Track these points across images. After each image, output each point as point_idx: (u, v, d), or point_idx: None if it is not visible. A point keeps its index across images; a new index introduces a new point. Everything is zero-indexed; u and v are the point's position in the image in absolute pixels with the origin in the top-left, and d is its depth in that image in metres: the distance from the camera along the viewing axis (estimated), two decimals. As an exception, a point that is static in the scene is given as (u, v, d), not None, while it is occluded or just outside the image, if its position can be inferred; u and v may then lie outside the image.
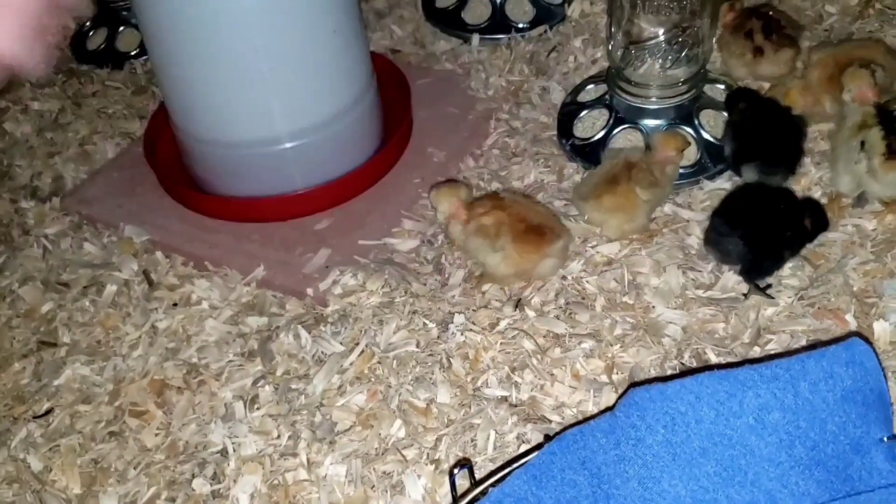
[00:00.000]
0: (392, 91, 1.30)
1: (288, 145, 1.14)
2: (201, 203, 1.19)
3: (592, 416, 0.87)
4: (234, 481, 0.90)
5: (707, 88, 1.17)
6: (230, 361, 1.02)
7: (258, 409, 0.96)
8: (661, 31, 1.10)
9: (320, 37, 1.09)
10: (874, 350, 0.68)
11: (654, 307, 0.99)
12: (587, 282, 1.03)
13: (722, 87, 1.20)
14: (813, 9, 1.39)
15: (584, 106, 1.22)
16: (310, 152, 1.15)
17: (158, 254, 1.17)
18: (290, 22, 1.06)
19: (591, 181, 1.07)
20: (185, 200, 1.21)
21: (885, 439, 0.68)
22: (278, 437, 0.93)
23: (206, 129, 1.14)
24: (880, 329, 0.90)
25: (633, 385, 0.73)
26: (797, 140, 1.09)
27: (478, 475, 0.84)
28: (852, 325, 0.92)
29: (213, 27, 1.03)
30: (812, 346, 0.91)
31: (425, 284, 1.06)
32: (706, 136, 1.14)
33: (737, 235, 0.98)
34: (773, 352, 0.92)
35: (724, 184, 1.12)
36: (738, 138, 1.10)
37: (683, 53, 1.10)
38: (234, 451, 0.93)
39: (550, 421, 0.89)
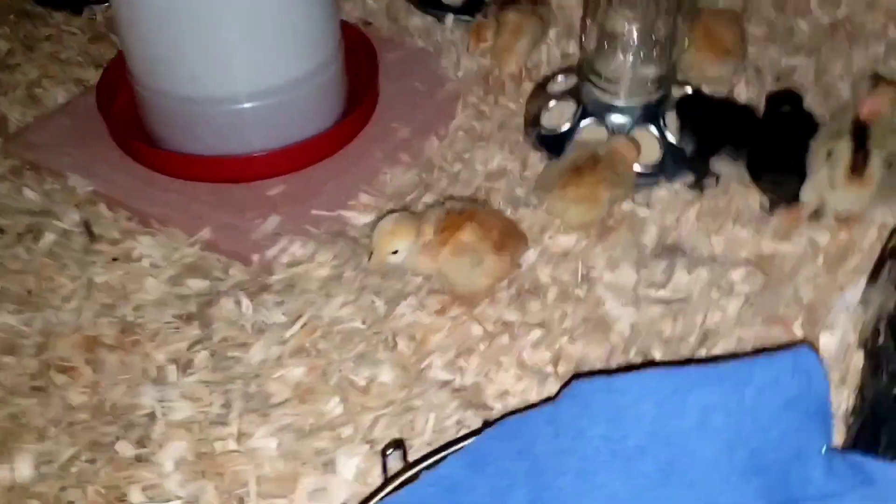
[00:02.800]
0: (360, 62, 1.27)
1: (246, 105, 1.10)
2: (151, 157, 1.15)
3: (534, 405, 0.86)
4: (161, 446, 0.86)
5: (675, 91, 1.16)
6: (167, 323, 0.98)
7: (191, 374, 0.93)
8: (634, 28, 1.08)
9: (288, -3, 1.06)
10: (821, 360, 0.68)
11: (605, 302, 0.98)
12: (541, 272, 1.02)
13: (690, 90, 1.19)
14: (785, 23, 1.39)
15: (552, 96, 1.20)
16: (269, 114, 1.12)
17: (102, 206, 1.12)
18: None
19: (555, 170, 1.06)
20: (136, 154, 1.16)
21: (824, 450, 0.68)
22: (210, 404, 0.90)
23: (164, 80, 1.10)
24: (826, 341, 0.90)
25: (578, 376, 0.71)
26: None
27: (413, 458, 0.83)
28: (799, 334, 0.92)
29: (177, -26, 0.99)
30: (758, 353, 0.91)
31: (377, 261, 1.04)
32: (670, 137, 1.13)
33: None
34: (718, 356, 0.91)
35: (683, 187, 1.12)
36: (698, 133, 1.09)
37: (655, 52, 1.09)
38: (163, 415, 0.89)
39: (492, 408, 0.87)
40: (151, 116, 1.16)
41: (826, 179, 1.00)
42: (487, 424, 0.74)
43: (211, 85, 1.09)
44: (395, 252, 0.93)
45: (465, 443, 0.72)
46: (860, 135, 0.99)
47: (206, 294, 1.01)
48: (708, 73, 1.24)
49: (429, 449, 0.83)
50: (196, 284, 1.03)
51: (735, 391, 0.65)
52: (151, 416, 0.89)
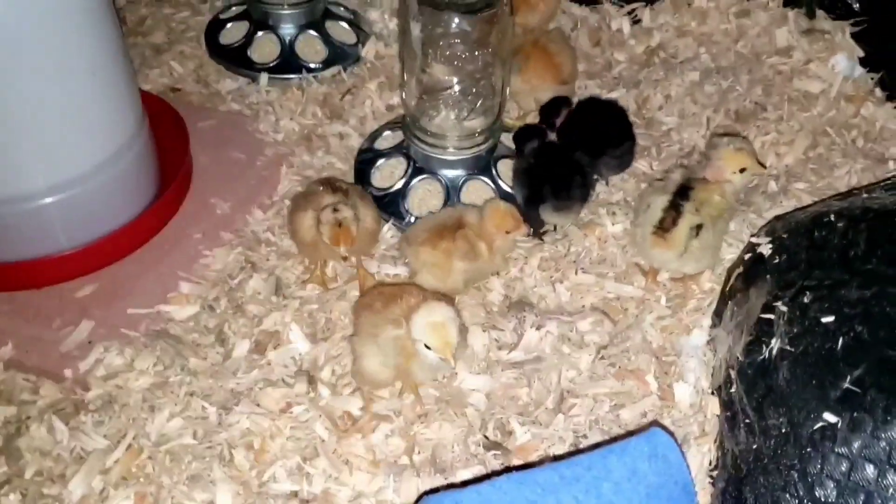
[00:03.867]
0: (169, 135, 1.17)
1: (47, 200, 0.98)
2: (-68, 270, 1.01)
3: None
4: None
5: (504, 138, 1.14)
6: (-32, 463, 0.86)
7: (0, 523, 0.81)
8: (455, 81, 1.05)
9: (75, 79, 0.95)
10: (675, 439, 0.65)
11: (457, 373, 0.93)
12: (387, 348, 0.96)
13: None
14: (602, 56, 1.40)
15: (381, 154, 1.15)
16: (73, 207, 1.00)
17: None
18: (37, 63, 0.91)
19: (424, 226, 1.01)
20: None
21: (693, 534, 0.65)
22: (23, 558, 0.79)
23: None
24: (680, 392, 0.89)
25: (427, 493, 0.65)
26: (583, 175, 1.08)
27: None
28: (653, 386, 0.90)
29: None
30: (615, 409, 0.89)
31: (205, 358, 0.95)
32: (504, 187, 1.10)
33: None
34: (576, 417, 0.88)
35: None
36: (528, 184, 1.07)
37: (479, 104, 1.06)
38: (-34, 580, 0.77)
39: (347, 515, 0.81)
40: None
41: (638, 235, 1.00)
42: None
43: (1, 183, 0.96)
44: None
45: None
46: (680, 195, 0.98)
47: (14, 422, 0.89)
48: (543, 99, 1.22)
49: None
50: (1, 412, 0.90)
51: (592, 490, 0.61)
52: (-47, 585, 0.77)
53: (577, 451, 0.75)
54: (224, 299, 1.01)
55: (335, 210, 0.96)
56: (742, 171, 1.01)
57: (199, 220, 1.11)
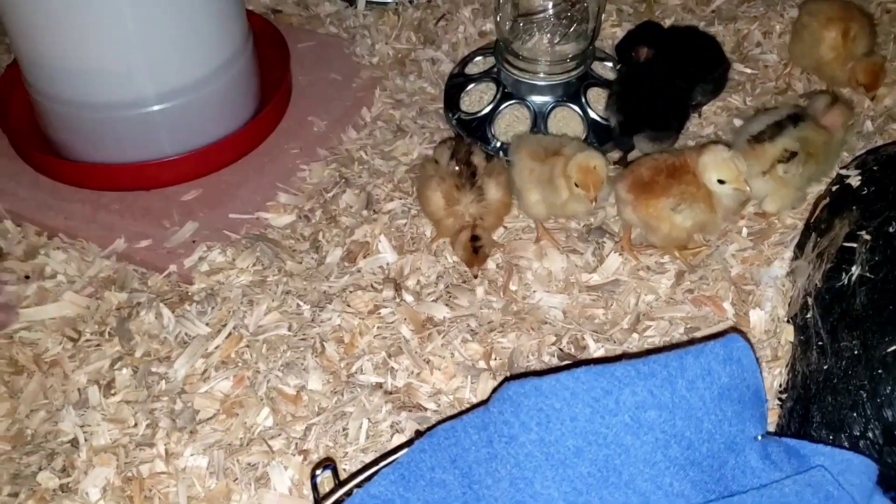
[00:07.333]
0: (270, 54, 1.22)
1: (155, 108, 1.05)
2: (56, 168, 1.09)
3: (468, 408, 0.84)
4: (85, 474, 0.83)
5: (595, 66, 1.15)
6: (87, 340, 0.95)
7: (114, 394, 0.89)
8: (550, 5, 1.06)
9: (190, -8, 1.01)
10: (751, 346, 0.67)
11: (534, 292, 0.97)
12: (470, 264, 1.00)
13: (610, 64, 1.18)
14: (702, -10, 1.38)
15: (471, 79, 1.17)
16: (179, 116, 1.07)
17: (8, 223, 1.07)
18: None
19: (526, 140, 1.04)
20: (39, 165, 1.10)
21: (759, 437, 0.67)
22: (135, 425, 0.87)
23: (63, 88, 1.04)
24: (756, 318, 0.90)
25: (509, 378, 0.69)
26: (681, 103, 1.08)
27: (347, 467, 0.81)
28: (729, 312, 0.92)
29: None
30: (690, 332, 0.91)
31: (301, 263, 1.01)
32: (593, 115, 1.11)
33: None
34: (650, 338, 0.91)
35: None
36: (623, 110, 1.07)
37: (572, 29, 1.07)
38: (86, 440, 0.85)
39: (426, 409, 0.86)
40: (53, 125, 1.10)
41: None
42: (420, 434, 0.72)
43: (115, 89, 1.03)
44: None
45: (397, 455, 0.70)
46: (791, 119, 0.98)
47: (126, 307, 0.97)
48: None
49: (363, 455, 0.82)
50: (114, 297, 0.98)
51: (667, 385, 0.64)
52: (74, 443, 0.86)
53: (654, 351, 0.78)
54: (319, 210, 1.07)
55: (474, 238, 0.94)
56: (851, 125, 1.01)
57: (297, 137, 1.16)
